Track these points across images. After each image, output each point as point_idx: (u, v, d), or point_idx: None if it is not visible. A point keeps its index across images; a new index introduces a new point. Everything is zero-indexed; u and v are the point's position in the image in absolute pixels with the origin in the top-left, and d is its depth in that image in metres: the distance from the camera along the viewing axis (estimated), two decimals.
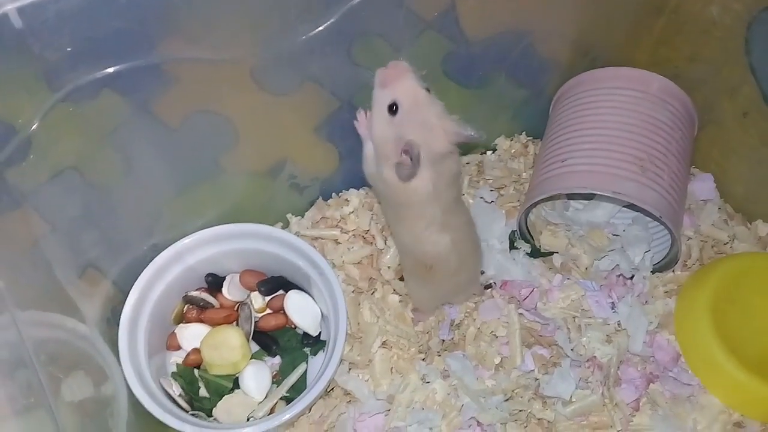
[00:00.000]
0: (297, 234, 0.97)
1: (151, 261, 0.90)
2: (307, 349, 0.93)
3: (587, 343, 0.88)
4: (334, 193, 1.04)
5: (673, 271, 0.97)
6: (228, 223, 0.93)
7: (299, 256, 0.92)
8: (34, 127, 0.72)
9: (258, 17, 0.78)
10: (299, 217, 1.02)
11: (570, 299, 0.91)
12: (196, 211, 0.94)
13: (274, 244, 0.93)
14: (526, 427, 0.85)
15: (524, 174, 1.06)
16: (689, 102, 0.97)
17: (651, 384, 0.87)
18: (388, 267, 0.96)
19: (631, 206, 0.96)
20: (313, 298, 0.94)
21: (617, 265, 0.93)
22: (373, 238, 0.99)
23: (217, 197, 0.94)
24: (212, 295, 0.94)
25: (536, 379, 0.87)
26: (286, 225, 1.02)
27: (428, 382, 0.87)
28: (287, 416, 0.81)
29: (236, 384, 0.89)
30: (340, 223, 1.01)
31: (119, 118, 0.79)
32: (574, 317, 0.90)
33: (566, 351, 0.87)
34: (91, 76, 0.72)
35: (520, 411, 0.85)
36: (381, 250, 0.98)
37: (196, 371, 0.91)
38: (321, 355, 0.93)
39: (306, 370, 0.92)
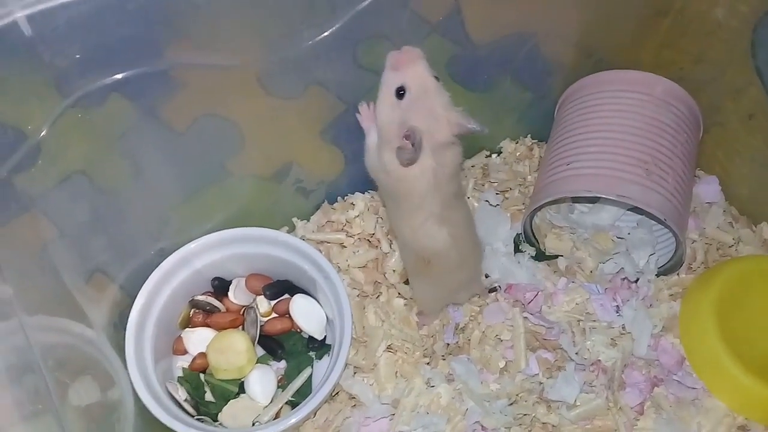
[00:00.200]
0: (302, 238, 0.98)
1: (158, 265, 0.90)
2: (312, 353, 0.94)
3: (592, 347, 0.88)
4: (339, 197, 1.05)
5: (678, 274, 0.97)
6: (234, 227, 0.94)
7: (305, 260, 0.93)
8: (43, 133, 0.73)
9: (264, 23, 0.78)
10: (305, 221, 1.03)
11: (575, 302, 0.91)
12: (203, 215, 0.94)
13: (279, 248, 0.94)
14: (530, 431, 0.85)
15: (529, 177, 1.06)
16: (694, 104, 0.97)
17: (655, 387, 0.87)
18: (393, 270, 0.96)
19: (636, 209, 0.97)
20: (318, 302, 0.94)
21: (622, 268, 0.93)
22: (379, 241, 0.99)
23: (224, 201, 0.95)
24: (218, 300, 0.95)
25: (541, 383, 0.87)
26: (291, 229, 1.02)
27: (433, 386, 0.87)
28: (292, 420, 0.82)
29: (242, 388, 0.90)
30: (346, 226, 1.01)
31: (127, 123, 0.79)
32: (578, 321, 0.90)
33: (571, 355, 0.88)
34: (99, 83, 0.73)
35: (525, 415, 0.85)
36: (386, 253, 0.98)
37: (202, 376, 0.91)
38: (326, 359, 0.93)
39: (311, 374, 0.92)
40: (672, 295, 0.94)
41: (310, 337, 0.94)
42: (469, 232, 0.86)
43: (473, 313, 0.92)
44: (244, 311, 0.95)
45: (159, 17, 0.71)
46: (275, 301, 0.96)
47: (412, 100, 0.72)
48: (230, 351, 0.89)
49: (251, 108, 0.86)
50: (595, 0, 0.95)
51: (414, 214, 0.78)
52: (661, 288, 0.94)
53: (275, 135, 0.92)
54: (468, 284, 0.91)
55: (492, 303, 0.92)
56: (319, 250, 0.93)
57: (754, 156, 0.99)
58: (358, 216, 1.01)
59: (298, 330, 0.95)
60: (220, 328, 0.93)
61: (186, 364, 0.92)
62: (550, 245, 0.96)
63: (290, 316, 0.93)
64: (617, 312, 0.91)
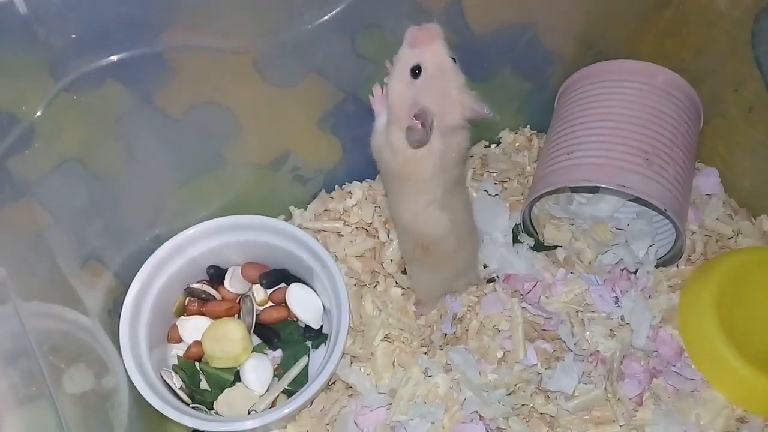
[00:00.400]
0: (300, 226, 0.97)
1: (153, 252, 0.89)
2: (308, 342, 0.93)
3: (590, 338, 0.88)
4: (337, 186, 1.04)
5: (677, 265, 0.97)
6: (230, 214, 0.93)
7: (302, 249, 0.92)
8: (37, 114, 0.72)
9: (262, 6, 0.78)
10: (302, 209, 1.02)
11: (573, 293, 0.91)
12: (199, 202, 0.93)
13: (276, 237, 0.93)
14: (528, 421, 0.84)
15: (528, 167, 1.06)
16: (695, 95, 0.97)
17: (654, 379, 0.87)
18: (391, 260, 0.96)
19: (636, 200, 0.96)
20: (315, 291, 0.94)
21: (621, 259, 0.93)
22: (376, 230, 0.98)
23: (220, 189, 0.94)
24: (214, 288, 0.94)
25: (539, 374, 0.86)
26: (288, 217, 1.02)
27: (430, 376, 0.86)
28: (288, 410, 0.81)
29: (237, 377, 0.89)
30: (343, 215, 1.00)
31: (122, 108, 0.79)
32: (577, 311, 0.90)
33: (569, 345, 0.87)
34: (95, 64, 0.72)
35: (523, 405, 0.84)
36: (384, 242, 0.97)
37: (197, 364, 0.90)
38: (323, 348, 0.93)
39: (308, 363, 0.91)
40: (671, 286, 0.94)
41: (307, 326, 0.93)
42: (468, 219, 0.85)
43: (471, 303, 0.92)
44: (240, 300, 0.94)
45: None
46: (272, 290, 0.95)
47: (428, 80, 0.71)
48: (226, 339, 0.88)
49: (248, 95, 0.86)
50: None
51: (416, 197, 0.77)
52: (660, 279, 0.94)
53: (273, 123, 0.91)
54: (465, 271, 0.90)
55: (490, 293, 0.92)
56: (317, 239, 0.93)
57: (755, 148, 0.98)
58: (355, 205, 1.00)
59: (295, 319, 0.94)
60: (215, 316, 0.92)
61: (181, 353, 0.91)
62: (549, 236, 0.96)
63: (287, 304, 0.93)
64: (616, 303, 0.90)
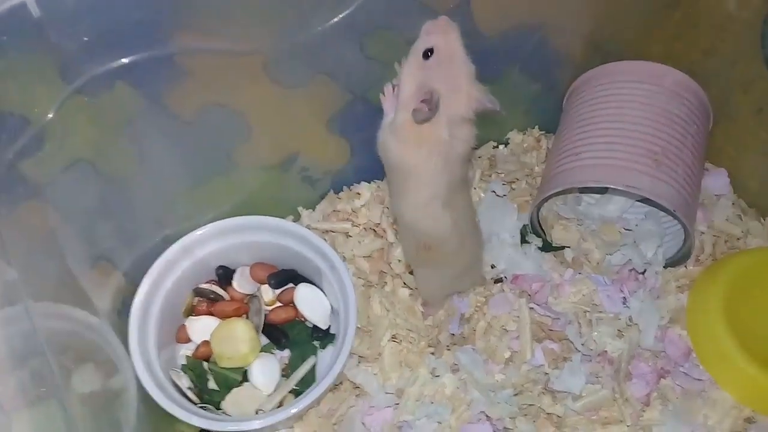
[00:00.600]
0: (308, 227, 0.97)
1: (162, 253, 0.90)
2: (316, 343, 0.93)
3: (598, 338, 0.88)
4: (345, 187, 1.04)
5: (686, 266, 0.96)
6: (239, 215, 0.93)
7: (310, 250, 0.92)
8: (49, 117, 0.72)
9: (272, 9, 0.78)
10: (310, 210, 1.02)
11: (581, 294, 0.91)
12: (208, 203, 0.94)
13: (284, 237, 0.93)
14: (535, 421, 0.84)
15: (536, 168, 1.06)
16: (704, 96, 0.96)
17: (662, 379, 0.87)
18: (399, 260, 0.96)
19: (645, 201, 0.96)
20: (323, 292, 0.94)
21: (629, 259, 0.93)
22: (384, 231, 0.98)
23: (229, 190, 0.95)
24: (222, 288, 0.94)
25: (546, 374, 0.86)
26: (297, 218, 1.02)
27: (438, 376, 0.86)
28: (296, 409, 0.81)
29: (245, 377, 0.89)
30: (351, 216, 1.00)
31: (133, 110, 0.79)
32: (585, 312, 0.90)
33: (577, 345, 0.87)
34: (106, 67, 0.72)
35: (530, 405, 0.85)
36: (392, 243, 0.97)
37: (205, 364, 0.91)
38: (330, 348, 0.93)
39: (315, 363, 0.92)
40: (679, 287, 0.94)
41: (315, 327, 0.93)
42: (471, 221, 0.86)
43: (479, 304, 0.92)
44: (248, 300, 0.95)
45: (167, 1, 0.71)
46: (280, 290, 0.96)
47: (438, 63, 0.72)
48: (234, 339, 0.89)
49: (258, 97, 0.86)
50: None
51: (419, 193, 0.77)
52: (669, 280, 0.93)
53: (282, 124, 0.92)
54: (469, 273, 0.90)
55: (498, 293, 0.92)
56: (325, 240, 0.93)
57: (764, 149, 0.98)
58: (363, 205, 1.00)
59: (303, 319, 0.94)
60: (224, 316, 0.93)
61: (189, 353, 0.92)
62: (557, 236, 0.96)
63: (295, 305, 0.93)
64: (624, 303, 0.90)
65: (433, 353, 0.89)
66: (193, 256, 0.92)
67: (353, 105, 0.92)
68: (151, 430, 0.83)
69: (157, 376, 0.84)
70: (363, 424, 0.86)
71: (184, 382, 0.86)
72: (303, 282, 0.95)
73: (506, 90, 1.02)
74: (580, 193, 1.02)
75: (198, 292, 0.94)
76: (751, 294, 0.88)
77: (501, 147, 1.10)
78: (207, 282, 0.95)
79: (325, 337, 0.93)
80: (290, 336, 0.93)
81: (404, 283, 0.95)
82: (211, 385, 0.90)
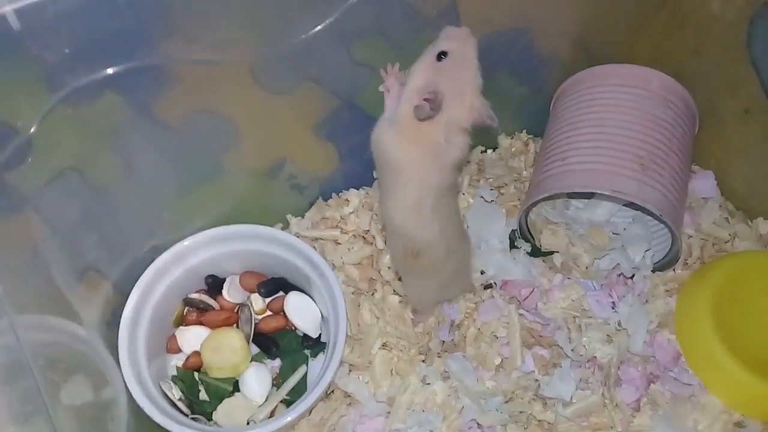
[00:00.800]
0: (297, 235, 0.97)
1: (151, 263, 0.89)
2: (307, 351, 0.93)
3: (588, 343, 0.88)
4: (334, 194, 1.04)
5: (674, 269, 0.96)
6: (228, 223, 0.93)
7: (299, 257, 0.92)
8: (33, 129, 0.72)
9: (257, 16, 0.78)
10: (299, 217, 1.02)
11: (570, 299, 0.91)
12: (197, 212, 0.93)
13: (274, 246, 0.93)
14: (526, 428, 0.84)
15: (525, 172, 1.06)
16: (690, 99, 0.97)
17: (651, 384, 0.87)
18: (388, 267, 0.96)
19: (632, 205, 0.96)
20: (313, 300, 0.94)
21: (618, 264, 0.93)
22: (374, 238, 0.98)
23: (217, 198, 0.94)
24: (212, 297, 0.94)
25: (536, 380, 0.86)
26: (286, 226, 1.02)
27: (428, 384, 0.86)
28: (288, 419, 0.81)
29: (236, 387, 0.89)
30: (340, 223, 1.00)
31: (119, 119, 0.79)
32: (574, 317, 0.90)
33: (566, 351, 0.87)
34: (90, 78, 0.72)
35: (521, 412, 0.85)
36: (381, 250, 0.97)
37: (196, 374, 0.90)
38: (321, 357, 0.93)
39: (306, 372, 0.92)
40: (668, 290, 0.93)
41: (305, 335, 0.93)
42: (458, 227, 0.86)
43: (468, 310, 0.92)
44: (238, 309, 0.94)
45: (150, 11, 0.71)
46: (270, 299, 0.95)
47: (449, 67, 0.74)
48: (224, 349, 0.88)
49: (245, 104, 0.86)
50: None
51: (409, 193, 0.77)
52: (657, 284, 0.94)
53: (269, 131, 0.92)
54: (457, 280, 0.90)
55: (487, 300, 0.92)
56: (314, 247, 0.93)
57: (750, 151, 0.98)
58: (352, 212, 1.00)
59: (293, 328, 0.94)
60: (214, 326, 0.92)
61: (180, 363, 0.91)
62: (546, 241, 0.96)
63: (285, 313, 0.93)
64: (613, 308, 0.90)
65: (423, 361, 0.89)
66: (182, 266, 0.92)
67: (341, 111, 0.92)
68: None
69: (147, 388, 0.84)
70: None
71: (175, 393, 0.86)
72: (293, 290, 0.94)
73: (494, 93, 1.01)
74: (568, 197, 1.02)
75: (188, 302, 0.94)
76: (739, 297, 0.88)
77: (489, 151, 1.10)
78: (196, 291, 0.95)
79: (315, 345, 0.93)
80: (281, 345, 0.93)
81: (394, 291, 0.95)
82: (203, 395, 0.89)
